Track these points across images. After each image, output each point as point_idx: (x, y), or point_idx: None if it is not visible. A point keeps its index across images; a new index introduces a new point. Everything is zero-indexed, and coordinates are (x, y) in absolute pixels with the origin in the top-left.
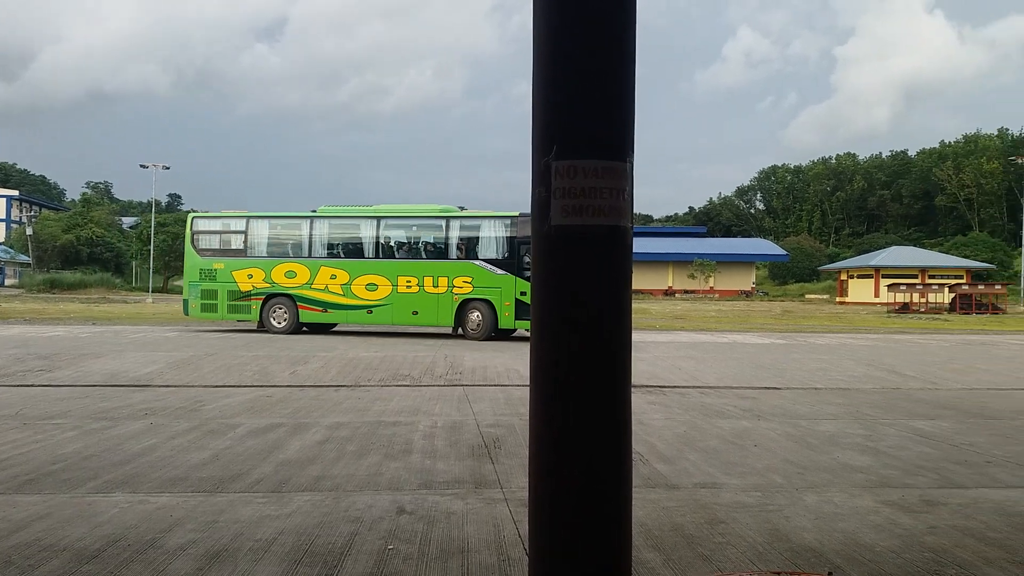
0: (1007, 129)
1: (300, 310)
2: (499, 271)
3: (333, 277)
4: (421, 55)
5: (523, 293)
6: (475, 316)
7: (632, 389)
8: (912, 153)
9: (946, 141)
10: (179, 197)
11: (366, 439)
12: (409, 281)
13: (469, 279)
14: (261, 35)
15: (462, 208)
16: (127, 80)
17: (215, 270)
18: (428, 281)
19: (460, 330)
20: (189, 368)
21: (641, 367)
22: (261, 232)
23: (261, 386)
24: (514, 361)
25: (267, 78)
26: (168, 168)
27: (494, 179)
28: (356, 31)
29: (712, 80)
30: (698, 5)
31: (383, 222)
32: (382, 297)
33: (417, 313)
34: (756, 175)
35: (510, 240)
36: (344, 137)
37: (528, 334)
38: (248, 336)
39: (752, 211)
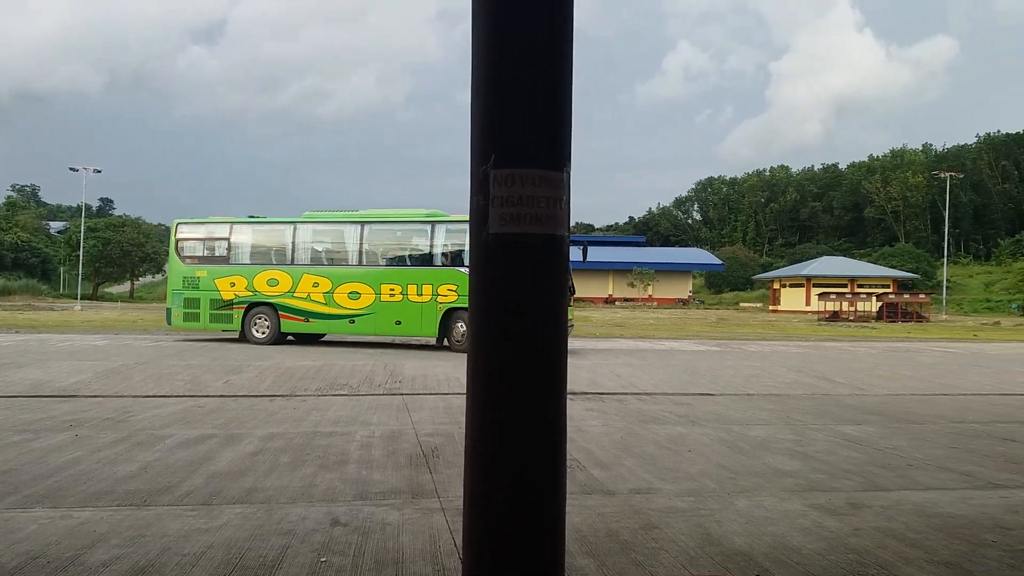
0: (931, 144)
1: (282, 319)
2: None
3: (315, 285)
4: (365, 60)
5: None
6: (460, 326)
7: (571, 396)
8: (843, 166)
9: (874, 155)
10: (111, 201)
11: (301, 450)
12: (392, 289)
13: (454, 287)
14: (199, 37)
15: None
16: (57, 80)
17: (198, 278)
18: (412, 289)
19: (445, 341)
20: (118, 378)
21: (581, 374)
22: (244, 238)
23: (193, 396)
24: (455, 370)
25: (205, 80)
26: (99, 172)
27: (438, 185)
28: (299, 34)
29: (652, 92)
30: (640, 18)
31: (366, 228)
32: (365, 306)
33: (400, 323)
34: (693, 186)
35: None
36: (285, 141)
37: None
38: (181, 344)
39: (689, 221)
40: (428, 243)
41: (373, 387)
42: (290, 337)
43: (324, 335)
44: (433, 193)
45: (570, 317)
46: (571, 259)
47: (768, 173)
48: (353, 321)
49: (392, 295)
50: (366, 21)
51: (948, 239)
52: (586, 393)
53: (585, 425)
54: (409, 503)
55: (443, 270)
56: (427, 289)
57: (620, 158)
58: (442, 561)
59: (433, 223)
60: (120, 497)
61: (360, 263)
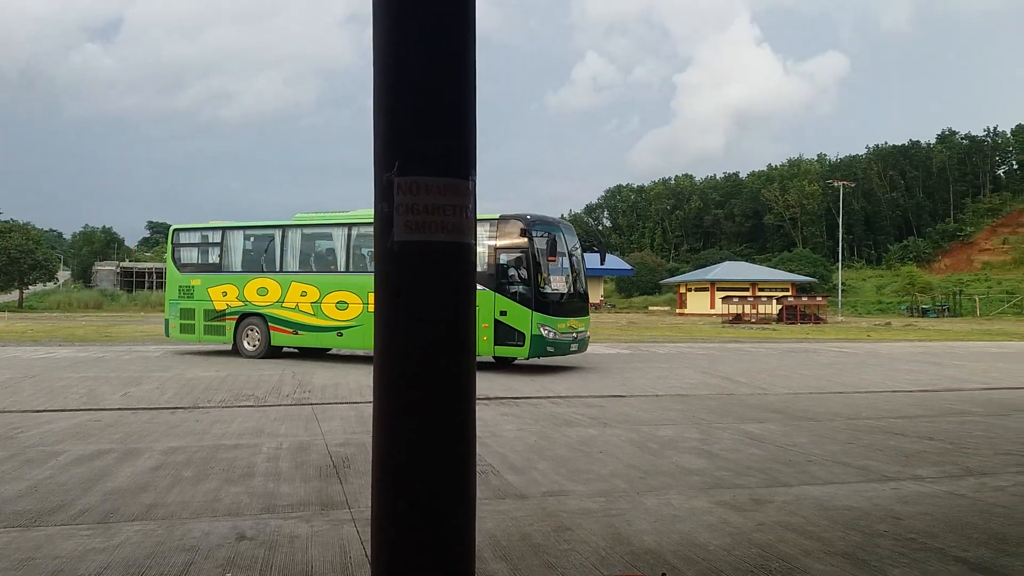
0: (825, 155)
1: (271, 331)
2: (480, 286)
3: (303, 294)
4: (271, 62)
5: (503, 313)
6: None
7: (486, 401)
8: (743, 175)
9: (773, 165)
10: None
11: (204, 463)
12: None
13: None
14: (94, 35)
15: None
16: None
17: (192, 287)
18: None
19: None
20: (6, 392)
21: (497, 379)
22: (235, 244)
23: (89, 409)
24: (368, 378)
25: (100, 80)
26: None
27: (348, 191)
28: (201, 35)
29: (562, 102)
30: (548, 28)
31: (354, 230)
32: (352, 317)
33: None
34: (603, 193)
35: (490, 249)
36: (186, 144)
37: (519, 361)
38: (77, 356)
39: (600, 227)
40: None
41: (281, 397)
42: (289, 349)
43: (329, 349)
44: (342, 200)
45: (583, 328)
46: (588, 265)
47: (673, 181)
48: (341, 334)
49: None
50: (273, 23)
51: (842, 245)
52: (500, 398)
53: (499, 430)
54: (319, 515)
55: None
56: None
57: (532, 165)
58: (352, 572)
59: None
60: (8, 518)
61: (348, 269)
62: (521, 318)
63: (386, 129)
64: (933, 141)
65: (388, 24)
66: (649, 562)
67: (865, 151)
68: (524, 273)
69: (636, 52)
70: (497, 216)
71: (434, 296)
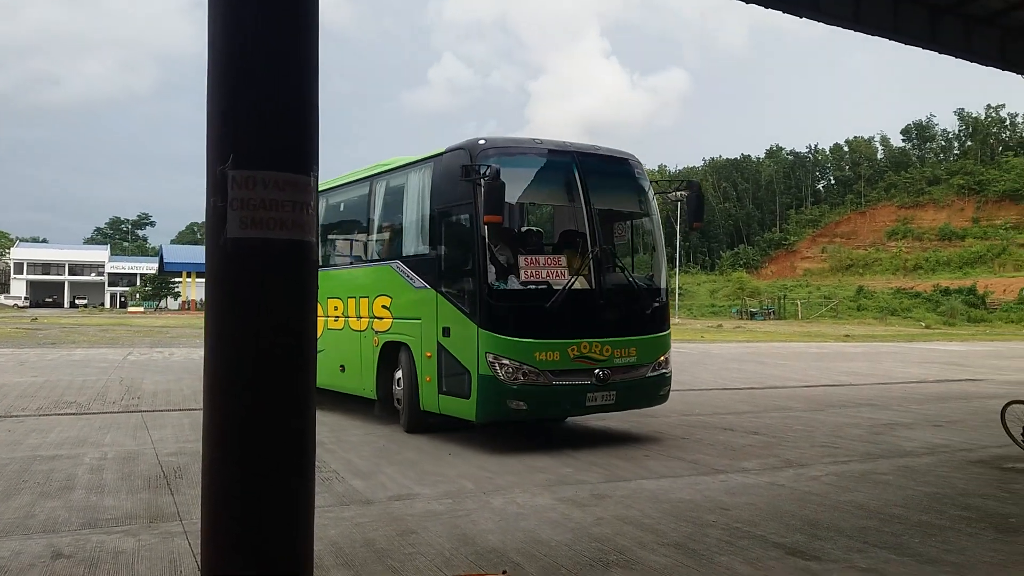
0: (665, 165)
1: None
2: (418, 280)
3: None
4: (103, 45)
5: (446, 331)
6: (398, 378)
7: (333, 406)
8: None
9: None
10: None
11: (16, 477)
12: (336, 307)
13: (388, 300)
14: None
15: None
16: None
17: None
18: (352, 306)
19: (397, 402)
20: None
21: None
22: None
23: None
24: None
25: None
26: None
27: (185, 184)
28: (21, 12)
29: (419, 101)
30: (404, 27)
31: (323, 198)
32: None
33: (344, 369)
34: None
35: (433, 215)
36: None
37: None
38: None
39: None
40: (366, 217)
41: (107, 404)
42: None
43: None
44: (178, 194)
45: (630, 357)
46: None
47: None
48: None
49: (336, 320)
50: (105, 4)
51: (680, 251)
52: (350, 401)
53: (346, 435)
54: (146, 528)
55: (379, 267)
56: (364, 306)
57: None
58: None
59: (374, 177)
60: None
61: (322, 262)
62: (463, 341)
63: (221, 119)
64: (762, 156)
65: (224, 9)
66: (493, 561)
67: (702, 163)
68: (467, 255)
69: (492, 57)
70: (442, 150)
71: (271, 297)
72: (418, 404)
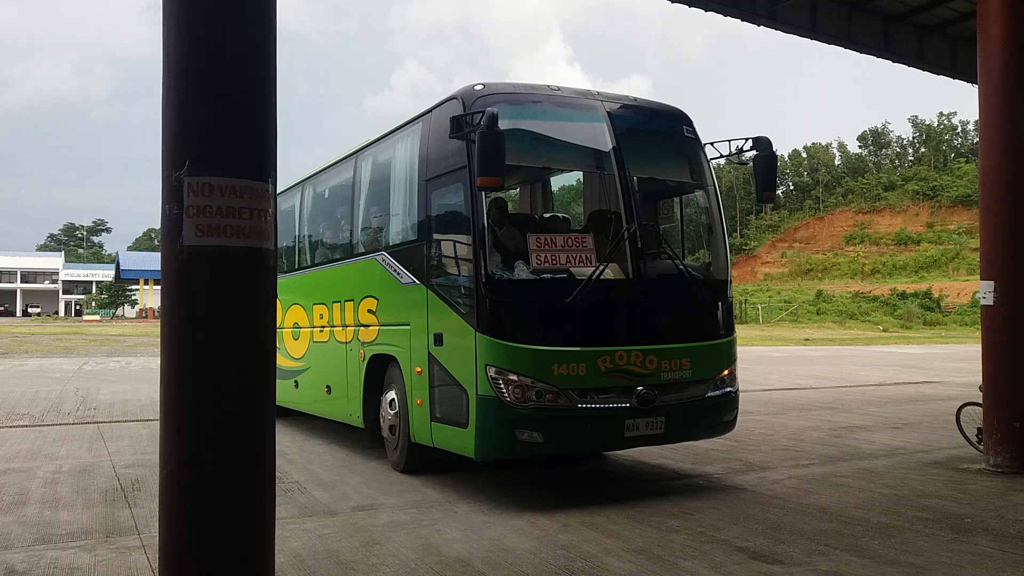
0: None
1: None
2: (405, 275)
3: None
4: (57, 46)
5: (438, 340)
6: (388, 399)
7: (295, 417)
8: None
9: None
10: None
11: None
12: (322, 315)
13: (374, 302)
14: None
15: None
16: None
17: None
18: (337, 312)
19: (391, 430)
20: None
21: None
22: None
23: None
24: None
25: None
26: None
27: (142, 188)
28: None
29: (381, 106)
30: (367, 31)
31: (307, 187)
32: (302, 355)
33: (330, 391)
34: None
35: (422, 187)
36: None
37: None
38: None
39: None
40: (351, 203)
41: (61, 416)
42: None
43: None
44: (135, 199)
45: (684, 370)
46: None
47: None
48: (297, 383)
49: (321, 332)
50: (59, 5)
51: None
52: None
53: (309, 445)
54: (103, 543)
55: (362, 262)
56: (349, 312)
57: None
58: None
59: (358, 153)
60: None
61: (310, 261)
62: (458, 351)
63: (176, 124)
64: (723, 161)
65: (180, 14)
66: (458, 570)
67: None
68: (460, 236)
69: (456, 62)
70: (432, 106)
71: (228, 306)
72: (408, 435)
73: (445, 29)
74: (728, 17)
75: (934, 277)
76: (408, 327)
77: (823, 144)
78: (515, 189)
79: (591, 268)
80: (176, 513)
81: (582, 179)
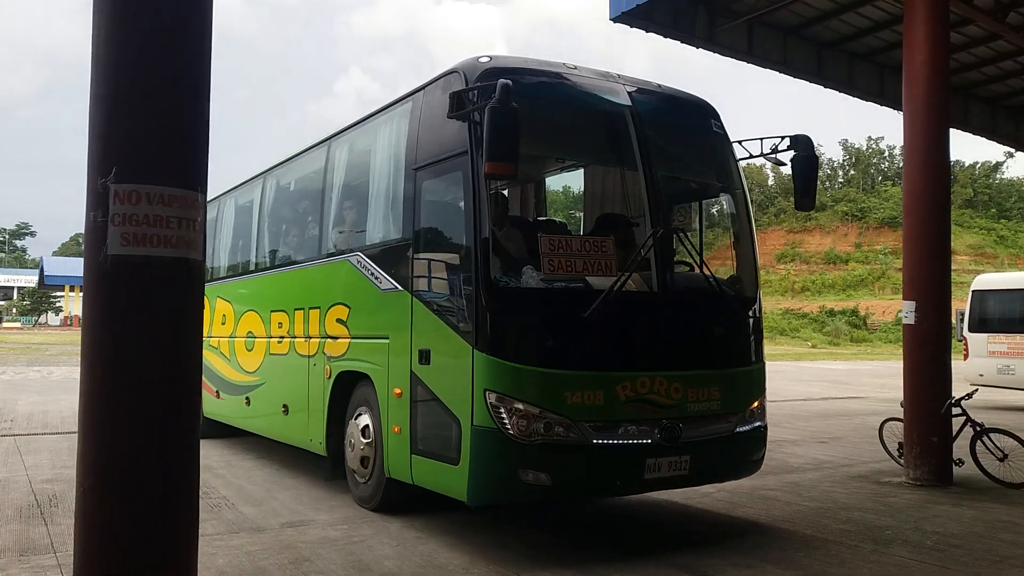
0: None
1: (203, 392)
2: (385, 279)
3: (223, 319)
4: None
5: (424, 357)
6: (361, 425)
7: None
8: None
9: None
10: None
11: None
12: (281, 324)
13: (344, 311)
14: None
15: None
16: None
17: None
18: (299, 321)
19: (363, 462)
20: None
21: None
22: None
23: None
24: None
25: None
26: None
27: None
28: None
29: (325, 112)
30: (311, 38)
31: (269, 180)
32: (255, 368)
33: (287, 410)
34: None
35: (409, 175)
36: None
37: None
38: None
39: None
40: (321, 197)
41: None
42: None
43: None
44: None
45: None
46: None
47: None
48: (248, 400)
49: (280, 343)
50: None
51: None
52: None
53: (237, 460)
54: (16, 562)
55: (332, 264)
56: (314, 321)
57: None
58: None
59: (332, 142)
60: None
61: (270, 262)
62: (450, 372)
63: (103, 129)
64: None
65: (110, 14)
66: None
67: None
68: (457, 234)
69: (401, 71)
70: (424, 83)
71: (153, 318)
72: (382, 468)
73: (390, 38)
74: (668, 39)
75: (861, 295)
76: (386, 341)
77: (757, 165)
78: (509, 188)
79: (611, 278)
80: (93, 531)
81: (590, 175)
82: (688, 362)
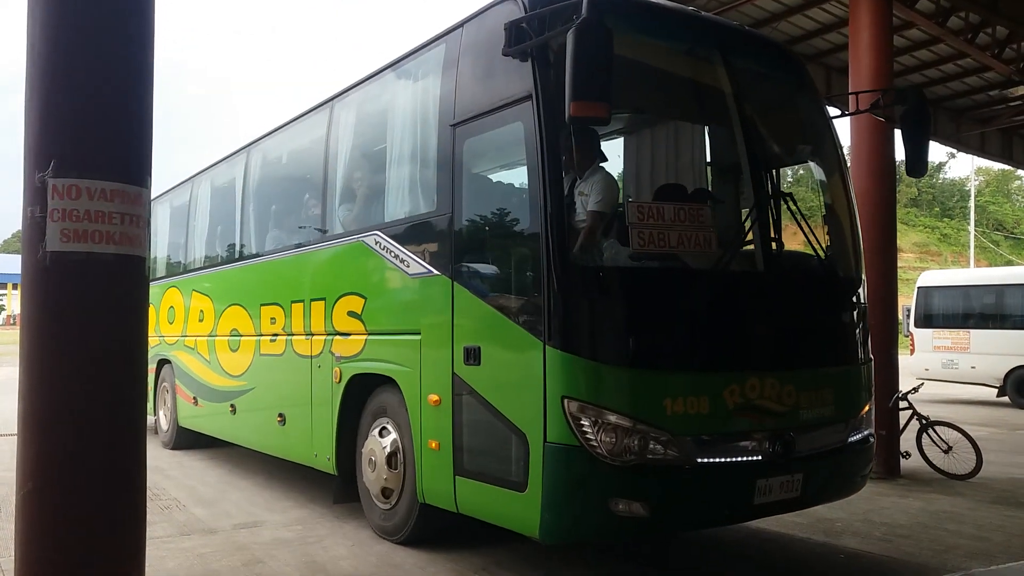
0: None
1: (178, 396)
2: (415, 262)
3: (200, 316)
4: None
5: (471, 356)
6: (386, 445)
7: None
8: None
9: None
10: None
11: None
12: (274, 319)
13: (359, 302)
14: None
15: None
16: None
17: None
18: (298, 316)
19: (384, 492)
20: None
21: None
22: (162, 211)
23: None
24: None
25: None
26: None
27: (10, 187)
28: None
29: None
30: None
31: (255, 153)
32: (242, 372)
33: (283, 419)
34: None
35: (455, 132)
36: None
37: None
38: None
39: None
40: (323, 169)
41: None
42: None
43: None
44: (3, 198)
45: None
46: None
47: None
48: (233, 408)
49: (273, 341)
50: None
51: None
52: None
53: (188, 460)
54: None
55: (342, 248)
56: (317, 315)
57: None
58: None
59: (334, 103)
60: None
61: (257, 248)
62: (511, 374)
63: (41, 121)
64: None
65: (49, 5)
66: None
67: None
68: (519, 203)
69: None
70: (462, 19)
71: (95, 317)
72: (414, 491)
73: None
74: None
75: None
76: (417, 337)
77: None
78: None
79: (714, 254)
80: (34, 537)
81: (672, 130)
82: (801, 359)
